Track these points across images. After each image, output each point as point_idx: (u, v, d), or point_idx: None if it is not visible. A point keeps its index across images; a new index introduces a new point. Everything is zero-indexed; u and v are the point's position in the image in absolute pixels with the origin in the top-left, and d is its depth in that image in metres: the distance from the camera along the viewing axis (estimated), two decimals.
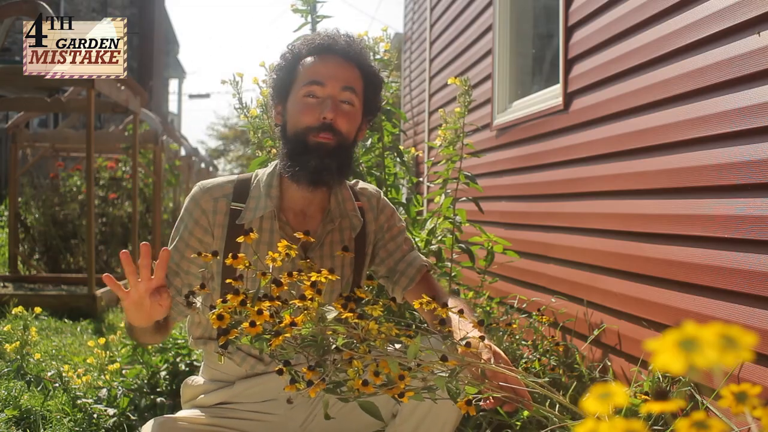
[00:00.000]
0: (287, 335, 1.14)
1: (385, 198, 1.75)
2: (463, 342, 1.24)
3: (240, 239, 1.32)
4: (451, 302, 1.54)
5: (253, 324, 1.14)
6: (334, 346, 1.16)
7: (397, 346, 1.22)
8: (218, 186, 1.61)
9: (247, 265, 1.27)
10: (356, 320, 1.16)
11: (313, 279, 1.21)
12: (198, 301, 1.35)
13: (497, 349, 1.30)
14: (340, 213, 1.64)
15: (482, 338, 1.29)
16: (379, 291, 2.54)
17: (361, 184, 1.74)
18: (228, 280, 1.27)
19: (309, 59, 1.58)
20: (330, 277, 1.22)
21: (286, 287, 1.23)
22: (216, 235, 1.58)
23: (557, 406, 1.28)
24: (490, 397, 1.22)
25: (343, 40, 1.60)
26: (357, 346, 1.15)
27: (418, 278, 1.67)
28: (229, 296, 1.18)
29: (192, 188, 1.66)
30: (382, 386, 1.13)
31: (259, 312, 1.16)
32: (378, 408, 1.22)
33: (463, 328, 1.36)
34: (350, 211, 1.65)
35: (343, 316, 1.16)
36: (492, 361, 1.25)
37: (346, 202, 1.65)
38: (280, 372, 1.18)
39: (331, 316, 1.18)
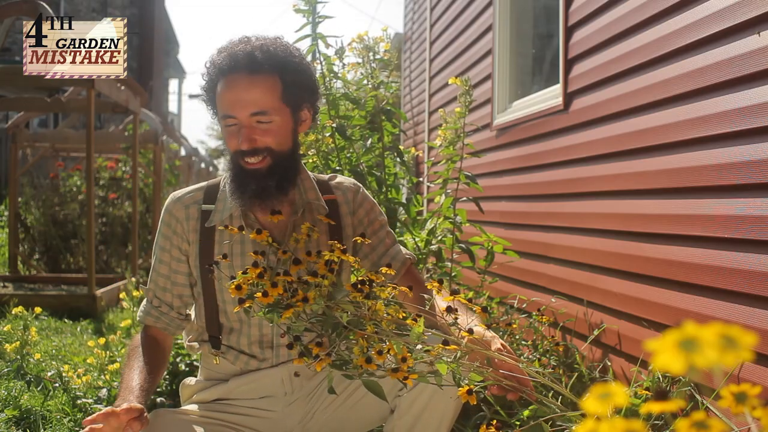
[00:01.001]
0: (298, 308, 1.20)
1: (365, 192, 1.75)
2: (468, 329, 1.25)
3: (223, 259, 1.36)
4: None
5: (266, 294, 1.21)
6: (342, 323, 1.21)
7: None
8: (188, 194, 1.66)
9: (269, 243, 1.37)
10: (364, 300, 1.20)
11: (326, 258, 1.27)
12: (219, 274, 1.47)
13: (502, 341, 1.32)
14: (303, 203, 1.65)
15: (488, 327, 1.32)
16: None
17: (339, 178, 1.75)
18: (231, 290, 1.30)
19: (219, 85, 1.55)
20: (343, 257, 1.29)
21: (304, 266, 1.29)
22: (191, 240, 1.62)
23: (560, 398, 1.29)
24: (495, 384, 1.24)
25: (241, 53, 1.52)
26: (364, 325, 1.19)
27: (402, 271, 1.69)
28: (249, 269, 1.25)
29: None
30: (387, 368, 1.17)
31: (274, 285, 1.23)
32: (382, 388, 1.23)
33: (469, 316, 1.37)
34: (313, 200, 1.66)
35: (352, 296, 1.20)
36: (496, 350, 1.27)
37: (308, 191, 1.66)
38: (290, 346, 1.24)
39: (341, 294, 1.23)
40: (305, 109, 1.62)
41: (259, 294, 1.22)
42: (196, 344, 1.69)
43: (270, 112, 1.52)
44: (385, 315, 1.20)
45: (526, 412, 1.84)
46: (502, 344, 1.31)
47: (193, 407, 1.65)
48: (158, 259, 1.65)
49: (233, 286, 1.25)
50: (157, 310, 1.64)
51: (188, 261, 1.64)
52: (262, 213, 1.62)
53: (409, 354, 1.16)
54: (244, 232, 1.46)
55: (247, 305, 1.24)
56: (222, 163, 28.39)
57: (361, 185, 1.76)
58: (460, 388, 1.19)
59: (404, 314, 1.22)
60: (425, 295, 1.38)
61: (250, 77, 1.52)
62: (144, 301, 1.67)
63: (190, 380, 1.74)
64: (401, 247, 1.75)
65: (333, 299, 1.22)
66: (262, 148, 1.53)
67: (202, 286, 1.62)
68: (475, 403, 1.18)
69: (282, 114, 1.55)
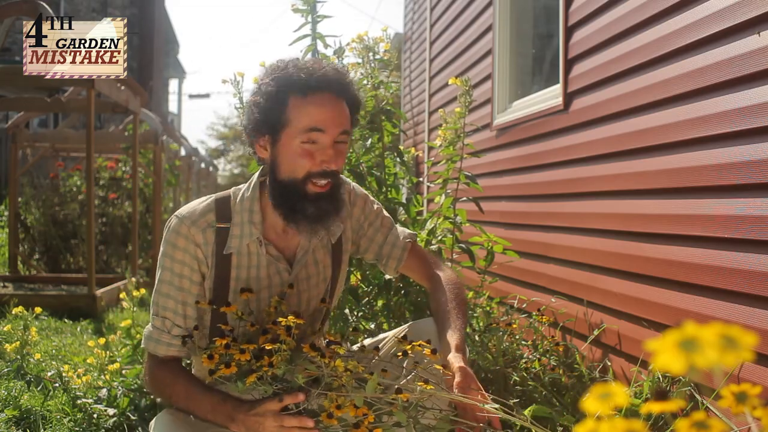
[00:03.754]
0: (259, 374, 1.33)
1: (356, 189, 1.76)
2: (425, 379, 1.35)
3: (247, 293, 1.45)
4: (443, 275, 1.68)
5: (228, 365, 1.37)
6: (304, 382, 1.35)
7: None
8: (200, 216, 1.57)
9: (239, 315, 1.51)
10: (321, 359, 1.32)
11: (283, 324, 1.39)
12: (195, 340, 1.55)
13: (469, 371, 1.39)
14: None
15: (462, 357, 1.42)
16: (379, 291, 2.54)
17: None
18: (219, 322, 1.45)
19: (302, 99, 1.49)
20: (298, 321, 1.40)
21: (270, 335, 1.43)
22: (210, 264, 1.57)
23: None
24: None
25: (332, 73, 1.52)
26: (329, 382, 1.32)
27: (405, 256, 1.74)
28: (216, 339, 1.40)
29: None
30: (355, 424, 1.29)
31: (242, 351, 1.37)
32: None
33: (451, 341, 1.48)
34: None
35: (310, 356, 1.33)
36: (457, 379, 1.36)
37: None
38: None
39: (299, 358, 1.37)
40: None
41: (222, 366, 1.37)
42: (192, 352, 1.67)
43: (350, 129, 1.55)
44: (343, 372, 1.30)
45: (526, 411, 1.84)
46: (467, 374, 1.37)
47: None
48: (174, 285, 1.55)
49: (205, 357, 1.38)
50: (169, 335, 1.55)
51: (203, 283, 1.57)
52: (276, 236, 1.61)
53: (368, 410, 1.27)
54: (266, 249, 1.54)
55: (218, 375, 1.37)
56: (222, 164, 28.38)
57: (350, 182, 1.76)
58: None
59: (363, 368, 1.34)
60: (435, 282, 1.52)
61: (339, 98, 1.52)
62: (150, 330, 1.57)
63: None
64: (399, 228, 1.78)
65: (293, 362, 1.35)
66: (335, 170, 1.51)
67: (212, 312, 1.58)
68: None
69: (349, 137, 1.58)
